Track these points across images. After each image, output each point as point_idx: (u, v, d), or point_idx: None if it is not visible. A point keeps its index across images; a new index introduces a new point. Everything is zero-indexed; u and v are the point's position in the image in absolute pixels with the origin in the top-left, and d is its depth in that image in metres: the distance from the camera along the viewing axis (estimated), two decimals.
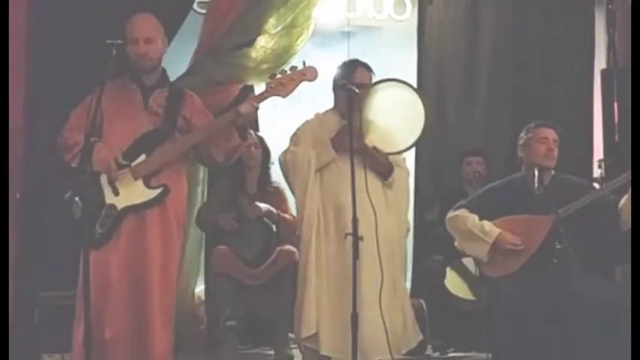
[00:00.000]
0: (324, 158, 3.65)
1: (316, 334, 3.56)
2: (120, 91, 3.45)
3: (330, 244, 3.62)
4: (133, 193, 3.35)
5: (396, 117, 3.60)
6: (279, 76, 3.43)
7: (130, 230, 3.35)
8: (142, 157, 3.38)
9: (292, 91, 3.45)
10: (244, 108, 3.41)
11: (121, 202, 3.34)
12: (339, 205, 3.60)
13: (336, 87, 3.76)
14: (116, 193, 3.34)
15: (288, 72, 3.44)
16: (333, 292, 3.58)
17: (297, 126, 3.85)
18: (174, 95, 3.53)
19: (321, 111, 3.88)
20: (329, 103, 3.90)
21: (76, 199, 3.24)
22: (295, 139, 3.75)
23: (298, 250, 3.80)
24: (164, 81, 3.57)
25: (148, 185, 3.38)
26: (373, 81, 3.68)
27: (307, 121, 3.83)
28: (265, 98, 3.47)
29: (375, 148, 3.58)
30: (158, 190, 3.38)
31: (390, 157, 3.73)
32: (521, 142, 3.84)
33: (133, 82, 3.49)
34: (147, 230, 3.36)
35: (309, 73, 3.45)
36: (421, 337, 3.88)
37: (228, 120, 3.45)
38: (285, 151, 3.74)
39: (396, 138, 3.62)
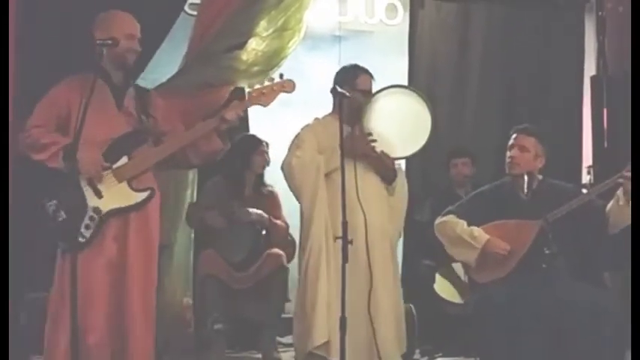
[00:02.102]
0: (333, 164, 3.59)
1: (327, 342, 3.51)
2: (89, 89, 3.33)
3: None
4: (117, 195, 3.30)
5: (403, 122, 3.61)
6: (258, 86, 3.49)
7: (114, 233, 3.30)
8: (124, 160, 3.34)
9: (273, 100, 3.51)
10: (230, 115, 3.43)
11: (105, 205, 3.28)
12: (351, 210, 3.56)
13: (337, 92, 3.74)
14: (99, 195, 3.28)
15: (268, 83, 3.50)
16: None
17: (291, 129, 3.83)
18: (140, 95, 3.50)
19: (316, 114, 3.87)
20: (320, 105, 3.90)
21: (54, 201, 3.22)
22: (299, 143, 3.71)
23: (297, 254, 3.70)
24: (129, 79, 3.53)
25: (132, 188, 3.34)
26: (376, 87, 3.68)
27: (309, 126, 3.80)
28: (248, 107, 3.51)
29: (382, 152, 3.58)
30: (146, 193, 3.35)
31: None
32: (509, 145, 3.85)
33: (101, 80, 3.37)
34: (130, 233, 3.31)
35: (287, 86, 3.54)
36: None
37: (212, 125, 3.45)
38: (290, 156, 3.70)
39: (403, 143, 3.62)
